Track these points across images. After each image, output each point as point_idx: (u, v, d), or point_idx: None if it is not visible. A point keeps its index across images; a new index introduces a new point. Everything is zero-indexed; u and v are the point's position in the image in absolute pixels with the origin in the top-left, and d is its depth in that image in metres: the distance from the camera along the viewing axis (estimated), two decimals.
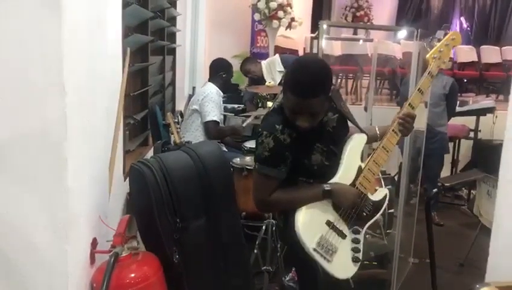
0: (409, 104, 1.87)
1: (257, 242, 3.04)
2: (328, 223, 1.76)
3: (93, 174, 1.72)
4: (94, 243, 1.67)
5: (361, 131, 1.91)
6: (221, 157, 2.05)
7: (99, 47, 1.78)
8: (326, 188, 1.75)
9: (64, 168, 1.41)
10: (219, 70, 3.73)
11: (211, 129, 3.51)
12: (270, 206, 1.90)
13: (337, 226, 1.77)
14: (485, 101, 5.29)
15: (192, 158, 1.95)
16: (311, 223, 1.74)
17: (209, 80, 3.79)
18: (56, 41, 1.35)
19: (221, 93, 3.75)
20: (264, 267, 3.03)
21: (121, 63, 2.20)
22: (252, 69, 4.56)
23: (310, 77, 1.64)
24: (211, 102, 3.51)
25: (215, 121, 3.51)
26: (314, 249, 1.70)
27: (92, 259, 1.67)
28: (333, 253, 1.73)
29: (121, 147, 2.28)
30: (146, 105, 3.15)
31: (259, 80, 4.43)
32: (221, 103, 3.78)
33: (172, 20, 4.04)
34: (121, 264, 1.63)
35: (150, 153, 3.05)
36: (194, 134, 3.54)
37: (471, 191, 4.90)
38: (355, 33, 8.67)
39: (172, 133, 2.53)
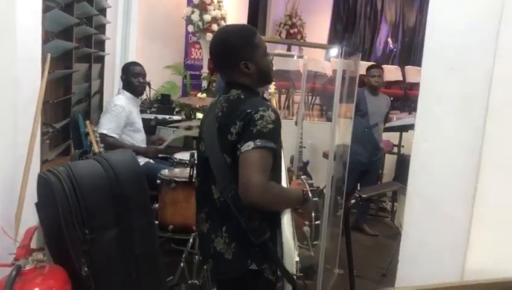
0: None
1: (183, 255, 3.00)
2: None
3: None
4: None
5: None
6: (134, 166, 1.99)
7: (8, 51, 1.70)
8: (305, 194, 1.65)
9: None
10: (122, 75, 3.58)
11: (103, 141, 3.03)
12: (268, 193, 1.52)
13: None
14: (408, 118, 5.57)
15: (104, 166, 1.89)
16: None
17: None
18: None
19: (131, 97, 3.49)
20: (191, 281, 2.98)
21: (40, 68, 2.11)
22: None
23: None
24: (107, 113, 3.29)
25: (103, 134, 3.16)
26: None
27: None
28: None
29: (38, 155, 2.18)
30: (69, 113, 3.04)
31: None
32: (131, 109, 3.44)
33: (101, 27, 3.95)
34: (25, 278, 1.54)
35: None
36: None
37: (395, 203, 5.13)
38: (289, 49, 8.88)
39: (91, 142, 2.45)
